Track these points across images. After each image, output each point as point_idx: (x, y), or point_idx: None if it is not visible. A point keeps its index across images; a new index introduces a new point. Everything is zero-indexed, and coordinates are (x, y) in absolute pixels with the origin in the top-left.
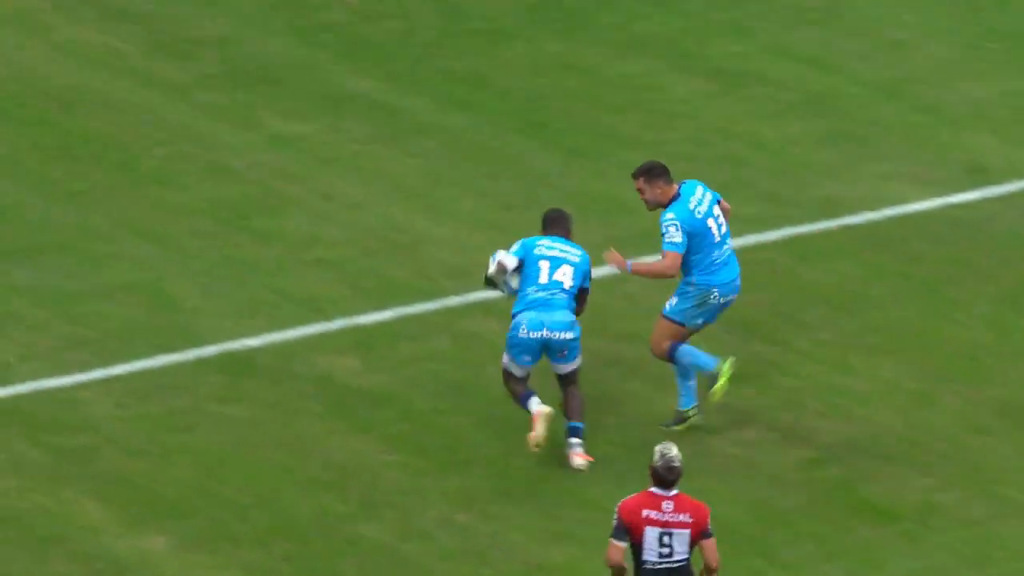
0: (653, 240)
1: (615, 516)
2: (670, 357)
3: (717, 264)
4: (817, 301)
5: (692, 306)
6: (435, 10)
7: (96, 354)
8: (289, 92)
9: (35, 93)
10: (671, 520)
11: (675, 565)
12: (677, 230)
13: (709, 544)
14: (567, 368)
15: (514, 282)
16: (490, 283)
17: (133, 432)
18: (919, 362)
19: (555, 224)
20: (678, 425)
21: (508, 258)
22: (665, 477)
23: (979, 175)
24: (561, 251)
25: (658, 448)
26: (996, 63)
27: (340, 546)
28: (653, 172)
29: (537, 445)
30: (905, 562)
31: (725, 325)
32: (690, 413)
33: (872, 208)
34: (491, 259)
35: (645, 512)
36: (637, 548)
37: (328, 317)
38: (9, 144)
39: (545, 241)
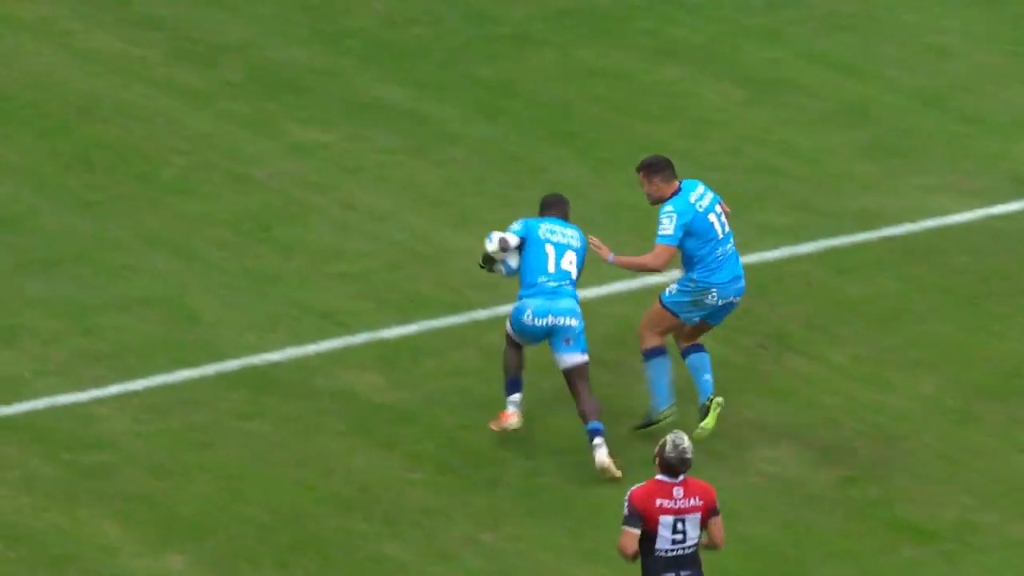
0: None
1: (627, 504)
2: (645, 355)
3: (720, 261)
4: (854, 315)
5: (688, 301)
6: (462, 15)
7: (113, 368)
8: (312, 100)
9: (53, 100)
10: (683, 506)
11: (688, 551)
12: (671, 223)
13: (717, 522)
14: (575, 359)
15: (513, 261)
16: (487, 261)
17: (151, 449)
18: (959, 378)
19: (553, 207)
20: (648, 426)
21: (510, 236)
22: (678, 468)
23: (1021, 185)
24: (563, 236)
25: (670, 438)
26: None
27: (363, 566)
28: (653, 167)
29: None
30: None
31: (760, 339)
32: (665, 414)
33: (911, 219)
34: (488, 238)
35: (659, 501)
36: (649, 537)
37: (351, 331)
38: (26, 152)
39: (547, 224)
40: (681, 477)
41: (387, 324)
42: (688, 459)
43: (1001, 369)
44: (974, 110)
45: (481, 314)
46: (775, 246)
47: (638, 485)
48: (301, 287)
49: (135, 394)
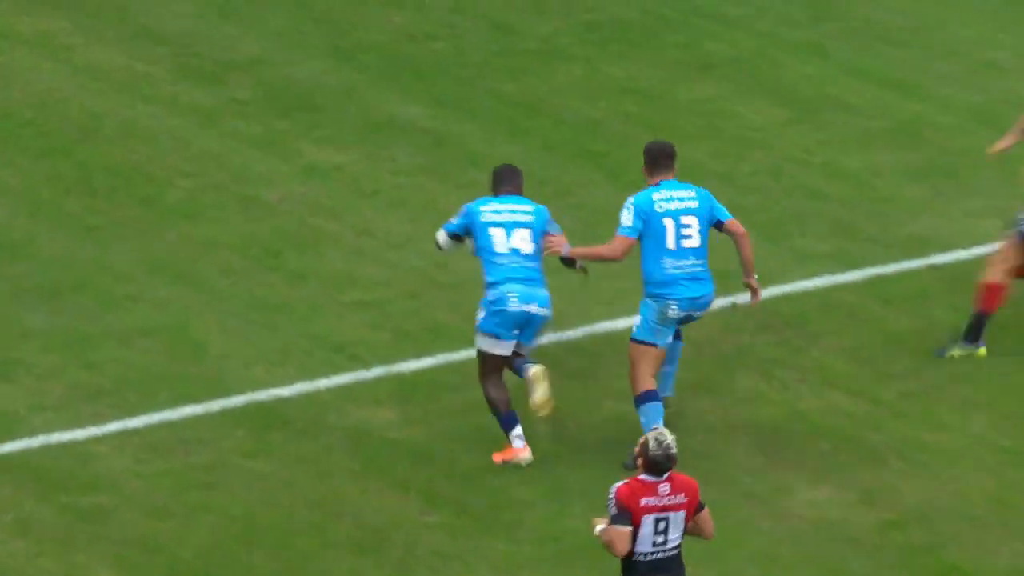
0: (733, 279)
1: (612, 502)
2: (636, 402)
3: (673, 276)
4: (901, 348)
5: (655, 320)
6: (485, 29)
7: (113, 405)
8: (326, 118)
9: (52, 119)
10: (668, 504)
11: (670, 553)
12: (629, 213)
13: (704, 516)
14: (530, 347)
15: (468, 247)
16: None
17: (152, 490)
18: (1013, 416)
19: (504, 182)
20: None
21: (439, 236)
22: (664, 465)
23: None
24: (511, 213)
25: (651, 435)
26: None
27: None
28: (646, 154)
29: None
30: None
31: (800, 373)
32: None
33: (962, 245)
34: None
35: (643, 500)
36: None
37: (365, 364)
38: (23, 175)
39: (492, 205)
40: (666, 475)
41: (403, 357)
42: (673, 454)
43: None
44: None
45: None
46: (817, 274)
47: (621, 482)
48: (312, 317)
49: (135, 432)
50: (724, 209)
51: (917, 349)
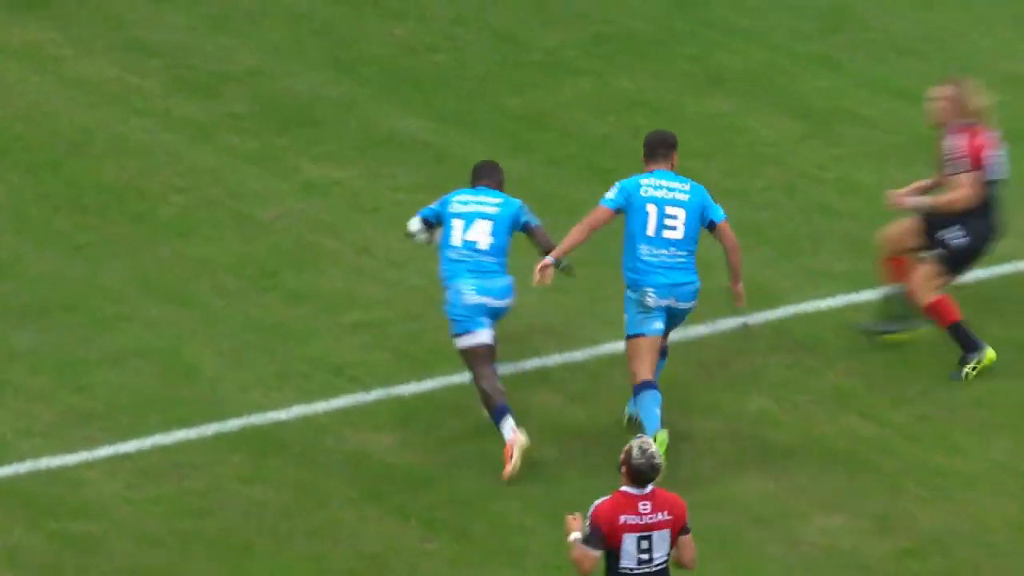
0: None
1: (588, 522)
2: (634, 391)
3: (650, 264)
4: (918, 370)
5: (637, 311)
6: (488, 41)
7: (104, 428)
8: (325, 133)
9: (41, 134)
10: (650, 522)
11: (655, 570)
12: (613, 191)
13: (686, 541)
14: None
15: (437, 237)
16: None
17: (144, 517)
18: None
19: (482, 175)
20: None
21: (411, 223)
22: (648, 475)
23: None
24: (477, 204)
25: (635, 443)
26: None
27: None
28: (645, 144)
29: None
30: None
31: (813, 396)
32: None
33: (982, 265)
34: (410, 221)
35: (623, 518)
36: (613, 555)
37: (365, 387)
38: (11, 191)
39: (462, 196)
40: (649, 488)
41: (404, 379)
42: (657, 464)
43: None
44: None
45: (506, 369)
46: (831, 294)
47: (603, 499)
48: (310, 339)
49: (127, 457)
50: (719, 209)
51: (934, 371)
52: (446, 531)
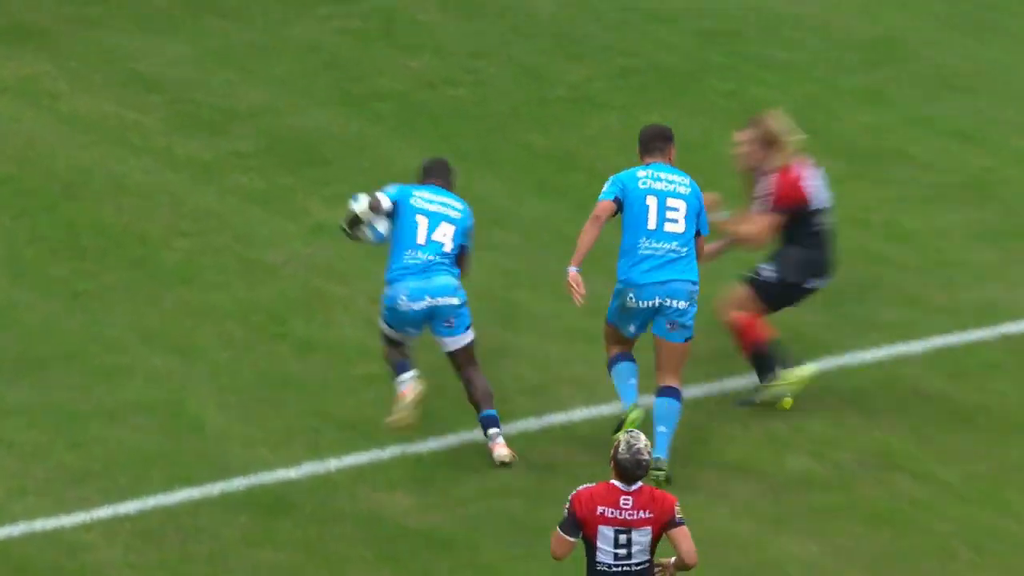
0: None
1: (567, 506)
2: (609, 363)
3: (643, 256)
4: (969, 426)
5: (616, 306)
6: (511, 75)
7: (102, 488)
8: (335, 173)
9: (36, 174)
10: (628, 518)
11: (636, 569)
12: (609, 185)
13: (679, 533)
14: (458, 342)
15: (382, 227)
16: (353, 225)
17: None
18: None
19: (434, 174)
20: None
21: (382, 196)
22: (632, 472)
23: None
24: (442, 205)
25: (624, 437)
26: None
27: None
28: (639, 139)
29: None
30: None
31: (857, 454)
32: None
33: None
34: (354, 198)
35: (600, 509)
36: (591, 546)
37: (379, 444)
38: (4, 234)
39: (424, 192)
40: (637, 485)
41: (421, 436)
42: (643, 461)
43: None
44: None
45: (532, 424)
46: (877, 345)
47: (585, 486)
48: (321, 392)
49: (127, 518)
50: (706, 223)
51: (986, 427)
52: None
